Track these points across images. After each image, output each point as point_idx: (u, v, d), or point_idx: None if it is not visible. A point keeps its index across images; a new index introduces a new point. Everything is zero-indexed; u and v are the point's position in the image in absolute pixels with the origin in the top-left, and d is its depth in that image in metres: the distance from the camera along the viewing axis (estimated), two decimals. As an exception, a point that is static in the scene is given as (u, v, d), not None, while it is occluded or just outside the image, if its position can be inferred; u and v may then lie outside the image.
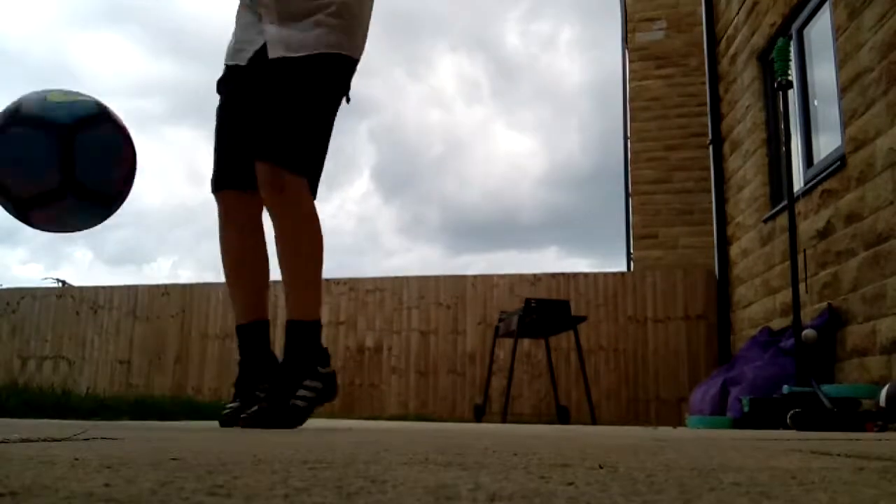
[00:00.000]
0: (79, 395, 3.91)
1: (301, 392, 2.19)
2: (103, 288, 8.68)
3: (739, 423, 4.47)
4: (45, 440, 1.21)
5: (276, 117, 2.25)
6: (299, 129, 2.27)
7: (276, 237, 2.29)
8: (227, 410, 2.37)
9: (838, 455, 1.17)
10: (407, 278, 7.89)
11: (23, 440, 1.19)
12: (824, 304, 4.84)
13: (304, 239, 2.28)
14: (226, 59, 2.48)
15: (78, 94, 1.86)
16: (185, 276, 38.98)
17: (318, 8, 2.28)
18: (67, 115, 1.77)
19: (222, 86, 2.48)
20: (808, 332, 4.62)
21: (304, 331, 2.26)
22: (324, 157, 2.35)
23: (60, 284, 12.11)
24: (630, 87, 9.49)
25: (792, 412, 3.61)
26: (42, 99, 1.80)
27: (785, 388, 3.88)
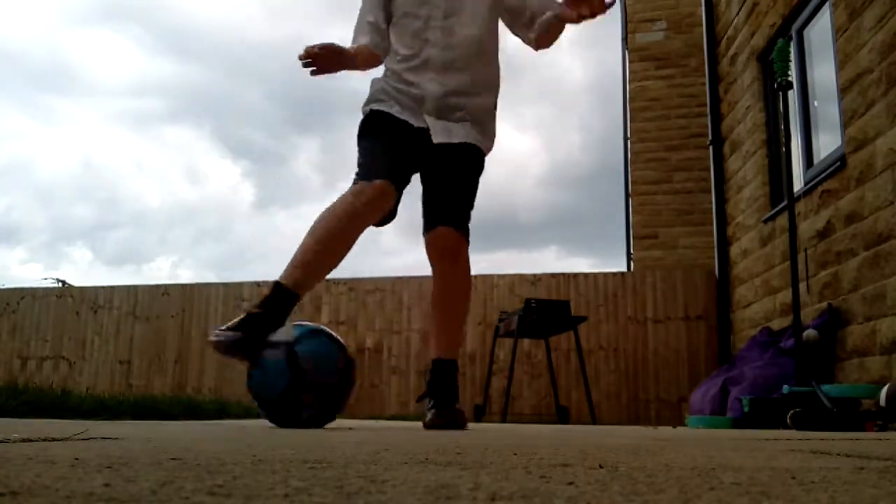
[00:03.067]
0: (79, 395, 3.91)
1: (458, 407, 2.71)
2: (103, 288, 8.68)
3: (739, 423, 4.47)
4: (45, 440, 1.21)
5: (469, 197, 2.82)
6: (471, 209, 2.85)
7: (446, 289, 2.79)
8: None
9: (838, 455, 1.17)
10: (407, 278, 7.89)
11: (23, 440, 1.19)
12: (824, 304, 4.84)
13: (468, 296, 2.88)
14: (419, 123, 2.77)
15: (303, 324, 2.55)
16: (185, 276, 38.93)
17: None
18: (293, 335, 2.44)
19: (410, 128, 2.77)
20: (809, 332, 4.62)
21: (454, 368, 2.75)
22: None
23: (60, 284, 12.11)
24: (630, 88, 9.49)
25: (792, 412, 3.61)
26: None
27: (785, 388, 3.88)
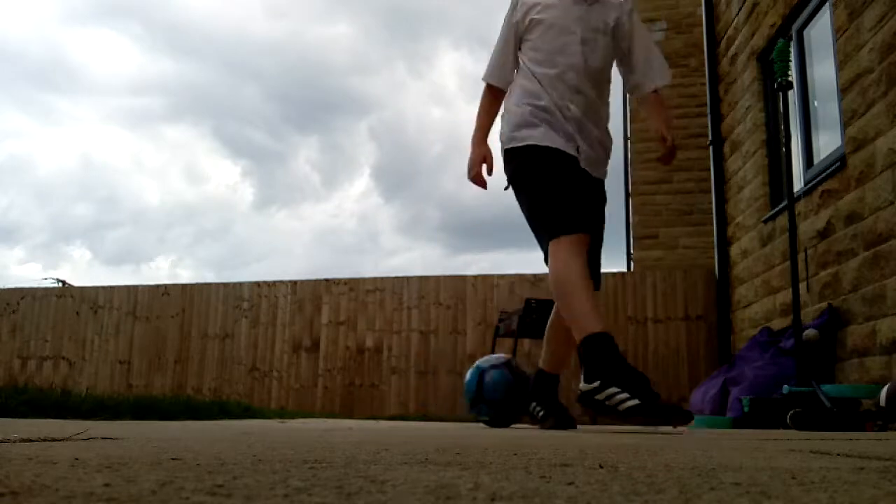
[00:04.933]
0: (79, 395, 3.91)
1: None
2: (103, 288, 8.68)
3: (739, 423, 4.47)
4: (45, 440, 1.21)
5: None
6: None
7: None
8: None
9: (838, 455, 1.17)
10: (407, 278, 7.88)
11: (23, 440, 1.19)
12: (824, 304, 4.84)
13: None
14: (585, 166, 3.00)
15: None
16: (185, 275, 38.95)
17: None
18: None
19: (575, 170, 2.98)
20: (809, 332, 4.62)
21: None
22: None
23: (60, 284, 12.11)
24: (630, 88, 9.47)
25: (792, 412, 3.61)
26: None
27: (785, 388, 3.87)
